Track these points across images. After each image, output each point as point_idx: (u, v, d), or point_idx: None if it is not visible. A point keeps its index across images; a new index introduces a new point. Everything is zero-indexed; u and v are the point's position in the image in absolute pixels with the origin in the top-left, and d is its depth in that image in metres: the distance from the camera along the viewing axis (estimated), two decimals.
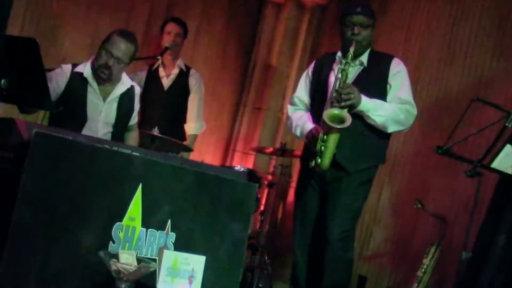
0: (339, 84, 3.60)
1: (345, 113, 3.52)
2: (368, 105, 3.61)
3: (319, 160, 3.54)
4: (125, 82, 3.85)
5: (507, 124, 3.25)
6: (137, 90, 3.98)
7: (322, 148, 3.53)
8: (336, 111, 3.52)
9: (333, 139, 3.52)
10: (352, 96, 3.55)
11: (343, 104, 3.54)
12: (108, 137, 3.75)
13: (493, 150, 3.34)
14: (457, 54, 4.93)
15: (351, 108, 3.58)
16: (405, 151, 5.11)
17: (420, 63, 5.12)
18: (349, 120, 3.48)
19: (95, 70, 3.69)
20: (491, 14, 4.78)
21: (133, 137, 4.00)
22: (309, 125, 3.74)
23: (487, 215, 3.77)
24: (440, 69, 5.02)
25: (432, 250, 4.29)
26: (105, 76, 3.68)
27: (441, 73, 5.00)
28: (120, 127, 3.84)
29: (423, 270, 4.28)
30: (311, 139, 3.65)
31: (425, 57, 5.14)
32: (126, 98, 3.85)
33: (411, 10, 5.38)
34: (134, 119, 3.99)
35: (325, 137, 3.53)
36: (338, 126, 3.48)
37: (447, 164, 4.47)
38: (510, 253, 3.55)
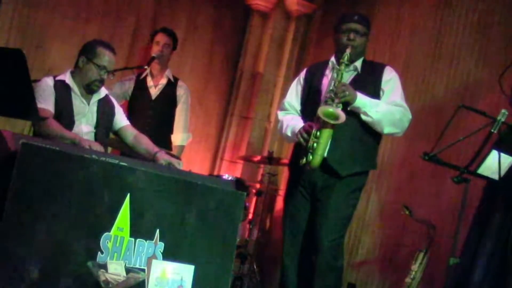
0: (334, 83, 3.61)
1: (339, 111, 3.51)
2: (364, 101, 3.62)
3: (310, 157, 3.53)
4: (102, 89, 3.96)
5: (492, 130, 3.27)
6: (112, 99, 4.09)
7: (315, 144, 3.52)
8: (330, 109, 3.51)
9: (326, 135, 3.51)
10: (347, 93, 3.56)
11: (337, 101, 3.53)
12: (92, 136, 3.84)
13: (480, 156, 3.36)
14: (442, 61, 4.96)
15: (347, 105, 3.59)
16: (392, 157, 5.12)
17: (406, 70, 5.14)
18: (343, 117, 3.48)
19: (87, 85, 3.81)
20: (475, 22, 4.81)
21: (139, 136, 3.98)
22: (301, 124, 3.73)
23: (474, 221, 3.79)
24: (426, 76, 5.05)
25: (420, 256, 4.30)
26: (98, 88, 3.86)
27: (427, 80, 5.03)
28: (101, 128, 3.91)
29: (411, 276, 4.28)
30: (304, 133, 3.62)
31: (411, 64, 5.17)
32: (104, 102, 3.96)
33: (396, 18, 5.42)
34: (122, 122, 4.01)
35: (318, 133, 3.52)
36: (332, 122, 3.48)
37: (434, 170, 4.49)
38: (498, 257, 3.57)
